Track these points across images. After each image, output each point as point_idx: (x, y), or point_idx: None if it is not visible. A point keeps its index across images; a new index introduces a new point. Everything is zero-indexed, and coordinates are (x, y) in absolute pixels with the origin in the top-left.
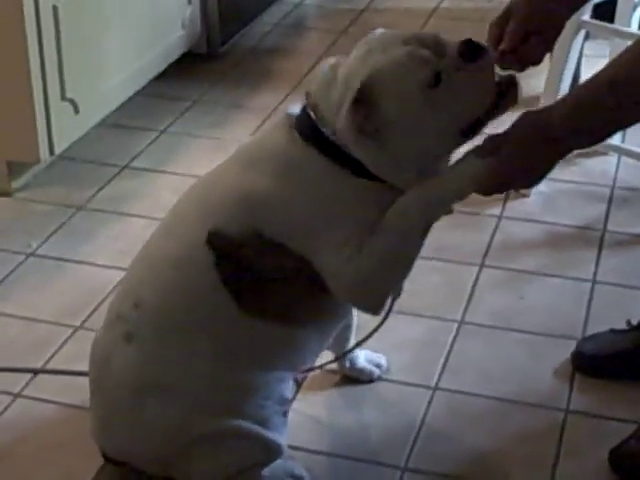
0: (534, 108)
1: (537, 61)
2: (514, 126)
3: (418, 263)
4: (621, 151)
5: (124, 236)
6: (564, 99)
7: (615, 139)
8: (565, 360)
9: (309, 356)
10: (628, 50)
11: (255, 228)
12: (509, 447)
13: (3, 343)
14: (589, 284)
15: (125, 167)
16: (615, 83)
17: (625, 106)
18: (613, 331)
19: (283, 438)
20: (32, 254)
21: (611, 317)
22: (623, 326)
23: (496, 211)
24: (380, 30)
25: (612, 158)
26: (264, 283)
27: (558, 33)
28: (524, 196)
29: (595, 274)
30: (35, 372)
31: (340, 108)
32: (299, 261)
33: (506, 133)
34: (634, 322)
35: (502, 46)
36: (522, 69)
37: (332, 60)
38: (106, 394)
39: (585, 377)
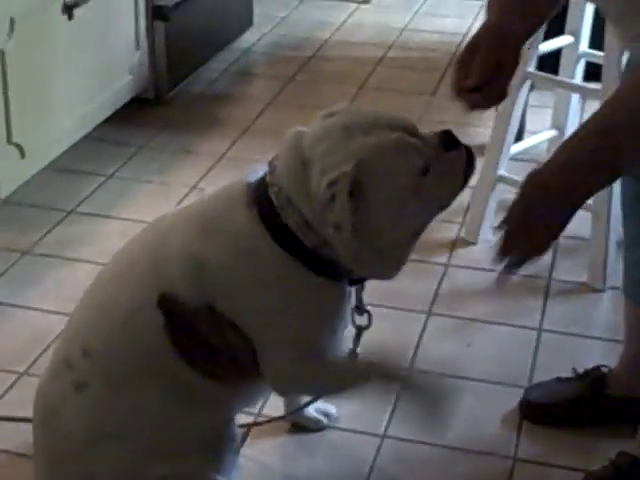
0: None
1: (503, 96)
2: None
3: None
4: None
5: (70, 281)
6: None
7: None
8: (512, 408)
9: (259, 399)
10: (615, 97)
11: (207, 300)
12: None
13: None
14: (535, 332)
15: (71, 212)
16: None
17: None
18: (559, 379)
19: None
20: None
21: (557, 365)
22: (569, 374)
23: (443, 259)
24: (343, 105)
25: None
26: (213, 350)
27: (517, 63)
28: (471, 244)
29: (541, 322)
30: None
31: (319, 199)
32: (247, 340)
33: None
34: (580, 370)
35: (471, 82)
36: (488, 107)
37: (296, 132)
38: (54, 444)
39: (533, 425)
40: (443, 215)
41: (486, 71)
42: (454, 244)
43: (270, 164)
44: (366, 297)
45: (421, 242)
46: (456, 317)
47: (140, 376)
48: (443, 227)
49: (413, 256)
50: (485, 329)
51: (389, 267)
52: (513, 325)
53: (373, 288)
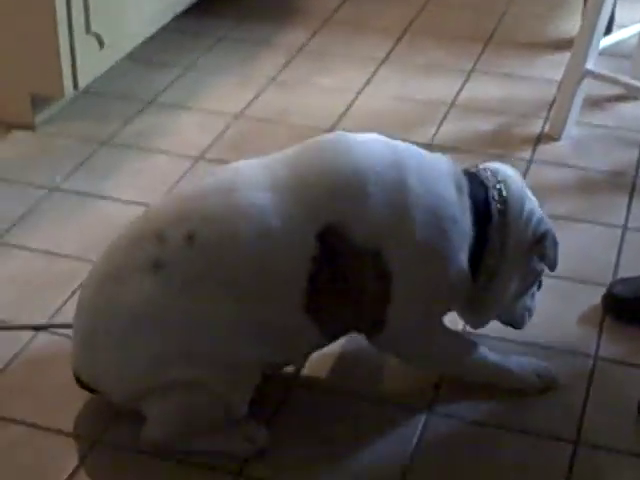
0: None
1: None
2: None
3: None
4: None
5: (148, 172)
6: None
7: None
8: (594, 306)
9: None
10: None
11: (377, 245)
12: (535, 394)
13: (26, 278)
14: (620, 230)
15: (150, 103)
16: None
17: None
18: None
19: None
20: (56, 189)
21: None
22: None
23: (526, 155)
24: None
25: None
26: (346, 298)
27: None
28: (555, 140)
29: (627, 220)
30: (39, 328)
31: (530, 234)
32: (388, 296)
33: None
34: None
35: None
36: None
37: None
38: (101, 312)
39: (614, 323)
40: (526, 110)
41: None
42: (538, 140)
43: (490, 172)
44: None
45: (504, 137)
46: None
47: (231, 288)
48: (527, 122)
49: (495, 151)
50: (568, 227)
51: (489, 317)
52: (597, 222)
53: None
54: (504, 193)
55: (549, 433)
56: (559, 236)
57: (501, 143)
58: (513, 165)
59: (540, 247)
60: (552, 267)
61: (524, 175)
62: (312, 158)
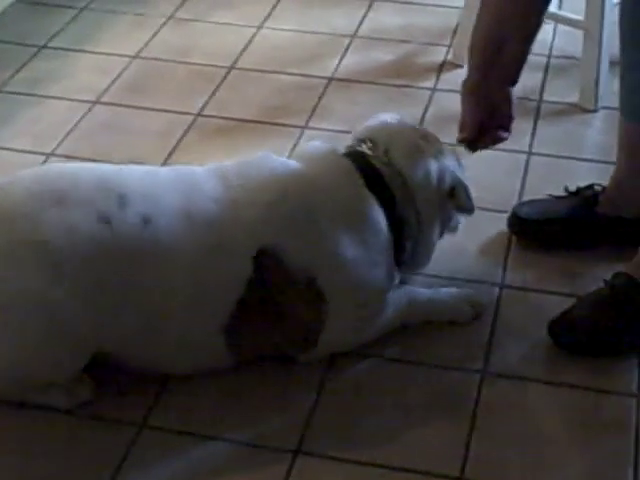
0: None
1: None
2: None
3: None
4: (557, 18)
5: (45, 119)
6: None
7: (552, 6)
8: (499, 234)
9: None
10: None
11: (311, 273)
12: (442, 325)
13: None
14: (525, 155)
15: (43, 47)
16: None
17: None
18: (551, 197)
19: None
20: None
21: (547, 188)
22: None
23: (430, 83)
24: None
25: (548, 26)
26: (268, 318)
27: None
28: (458, 67)
29: (531, 145)
30: None
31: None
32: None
33: None
34: (572, 189)
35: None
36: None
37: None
38: None
39: (519, 251)
40: (429, 38)
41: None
42: (441, 68)
43: (371, 144)
44: None
45: (407, 67)
46: (443, 142)
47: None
48: (429, 50)
49: (398, 81)
50: (471, 154)
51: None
52: (501, 149)
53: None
54: (395, 164)
55: (457, 365)
56: (464, 164)
57: (404, 73)
58: (416, 95)
59: (453, 201)
60: (471, 212)
61: (427, 104)
62: (245, 177)
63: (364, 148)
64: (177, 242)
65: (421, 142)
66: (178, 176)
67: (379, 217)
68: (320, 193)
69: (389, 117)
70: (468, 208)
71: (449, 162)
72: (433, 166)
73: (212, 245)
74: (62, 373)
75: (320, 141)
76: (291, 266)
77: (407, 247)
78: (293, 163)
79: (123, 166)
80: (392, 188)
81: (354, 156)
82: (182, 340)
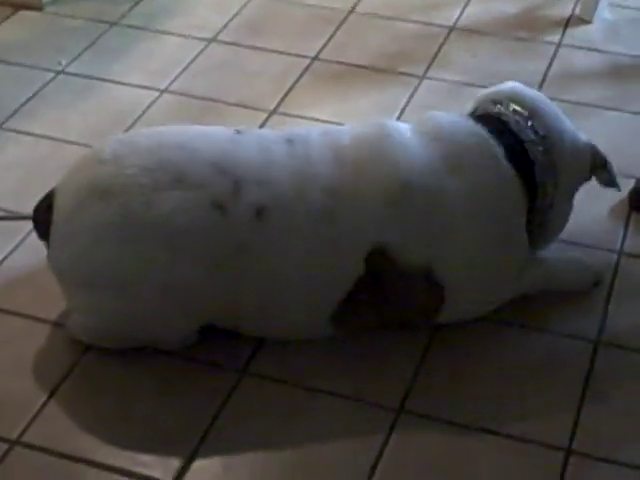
0: None
1: None
2: None
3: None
4: None
5: (158, 55)
6: None
7: None
8: (621, 200)
9: None
10: None
11: (428, 268)
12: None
13: (29, 165)
14: None
15: None
16: None
17: None
18: None
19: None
20: (62, 72)
21: None
22: None
23: (555, 38)
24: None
25: None
26: (379, 307)
27: None
28: (586, 22)
29: None
30: None
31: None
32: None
33: None
34: None
35: None
36: None
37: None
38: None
39: None
40: None
41: None
42: (568, 22)
43: (515, 109)
44: None
45: (531, 19)
46: (566, 101)
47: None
48: (556, 2)
49: (521, 34)
50: (596, 114)
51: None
52: (627, 111)
53: None
54: (540, 131)
55: (571, 332)
56: (587, 125)
57: (528, 26)
58: (541, 49)
59: (600, 176)
60: (619, 187)
61: (552, 60)
62: (361, 163)
63: (502, 110)
64: (289, 235)
65: (563, 116)
66: (293, 156)
67: (514, 194)
68: (446, 179)
69: (516, 84)
70: (616, 185)
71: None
72: (581, 139)
73: (324, 241)
74: (174, 338)
75: (446, 112)
76: (407, 263)
77: (537, 218)
78: (414, 143)
79: (238, 136)
80: (533, 155)
81: (490, 121)
82: (291, 322)
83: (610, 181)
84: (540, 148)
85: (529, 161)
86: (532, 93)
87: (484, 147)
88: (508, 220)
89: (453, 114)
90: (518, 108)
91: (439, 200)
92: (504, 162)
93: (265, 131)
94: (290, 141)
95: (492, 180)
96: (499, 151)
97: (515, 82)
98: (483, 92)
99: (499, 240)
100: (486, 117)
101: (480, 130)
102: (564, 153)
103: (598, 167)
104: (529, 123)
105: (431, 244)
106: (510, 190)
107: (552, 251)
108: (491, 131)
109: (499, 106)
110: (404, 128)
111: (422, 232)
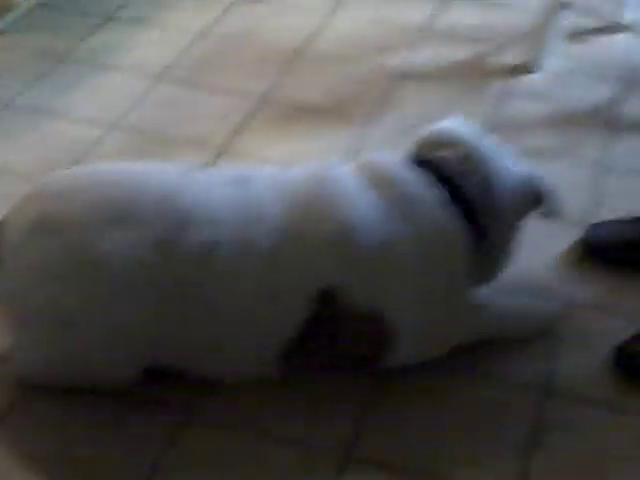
0: None
1: None
2: None
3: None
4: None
5: (106, 90)
6: None
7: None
8: (569, 248)
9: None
10: None
11: (376, 310)
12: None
13: None
14: (597, 167)
15: (111, 17)
16: None
17: None
18: (620, 221)
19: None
20: (8, 105)
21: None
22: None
23: (503, 84)
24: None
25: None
26: (330, 347)
27: None
28: (533, 71)
29: (603, 157)
30: None
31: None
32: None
33: None
34: None
35: None
36: None
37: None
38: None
39: (592, 267)
40: (504, 38)
41: None
42: (515, 69)
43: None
44: None
45: (480, 65)
46: (513, 147)
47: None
48: (503, 50)
49: (471, 80)
50: (543, 160)
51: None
52: (573, 158)
53: None
54: (479, 172)
55: (519, 381)
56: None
57: (476, 72)
58: (489, 95)
59: (541, 207)
60: (559, 215)
61: (499, 106)
62: (307, 205)
63: (438, 155)
64: (233, 275)
65: (498, 148)
66: (240, 197)
67: (459, 238)
68: (390, 223)
69: (454, 121)
70: (557, 212)
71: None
72: (518, 173)
73: (270, 282)
74: (115, 378)
75: (386, 153)
76: (355, 306)
77: (484, 257)
78: (359, 187)
79: (185, 174)
80: (474, 200)
81: (429, 166)
82: (239, 362)
83: (549, 212)
84: (477, 192)
85: (469, 206)
86: (466, 134)
87: (427, 194)
88: (456, 264)
89: (392, 158)
90: (453, 153)
91: (385, 245)
92: (448, 208)
93: (213, 170)
94: (237, 181)
95: (438, 226)
96: (441, 197)
97: (452, 119)
98: (421, 134)
99: (447, 285)
100: (424, 163)
101: (422, 176)
102: (502, 193)
103: (537, 200)
104: (464, 168)
105: (378, 288)
106: (456, 235)
107: (502, 298)
108: (430, 177)
109: (434, 153)
110: (349, 172)
111: (369, 276)
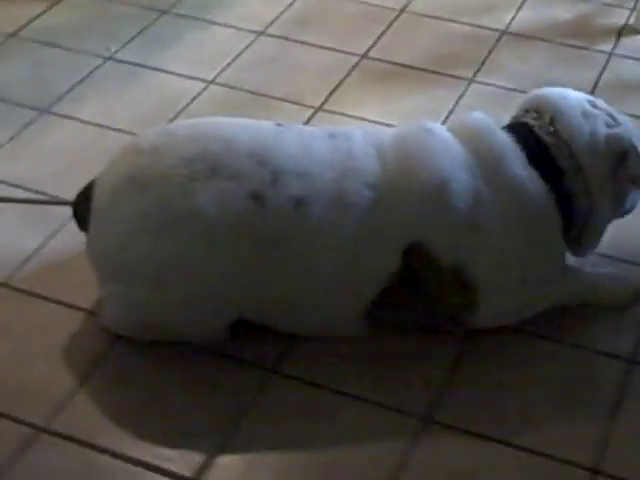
0: None
1: None
2: None
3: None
4: None
5: (208, 45)
6: None
7: None
8: None
9: None
10: None
11: (460, 263)
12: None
13: (73, 150)
14: None
15: None
16: None
17: None
18: None
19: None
20: (110, 58)
21: None
22: None
23: (608, 47)
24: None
25: None
26: (412, 305)
27: None
28: (639, 32)
29: None
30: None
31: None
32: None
33: None
34: None
35: None
36: None
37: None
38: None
39: None
40: None
41: None
42: (621, 31)
43: (535, 115)
44: None
45: (584, 26)
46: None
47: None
48: (610, 12)
49: (573, 41)
50: None
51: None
52: None
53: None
54: (562, 133)
55: (605, 349)
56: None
57: (581, 33)
58: (592, 58)
59: (624, 169)
60: None
61: (603, 69)
62: (402, 160)
63: (528, 118)
64: (327, 228)
65: (590, 109)
66: (335, 151)
67: (544, 200)
68: (479, 181)
69: (557, 89)
70: (638, 178)
71: (623, 128)
72: (601, 132)
73: (362, 236)
74: (205, 332)
75: (480, 112)
76: (441, 261)
77: (576, 224)
78: (453, 143)
79: (280, 129)
80: (559, 160)
81: (517, 129)
82: (324, 318)
83: (634, 174)
84: (564, 153)
85: (559, 170)
86: (557, 96)
87: (516, 157)
88: (540, 227)
89: (488, 120)
90: (541, 116)
91: (473, 202)
92: (534, 172)
93: (307, 127)
94: (332, 136)
95: (523, 188)
96: (523, 161)
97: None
98: (523, 98)
99: (531, 246)
100: (515, 126)
101: (511, 141)
102: (590, 155)
103: (627, 156)
104: (551, 129)
105: (464, 245)
106: (541, 198)
107: (591, 265)
108: (521, 141)
109: (527, 114)
110: (445, 130)
111: (456, 232)
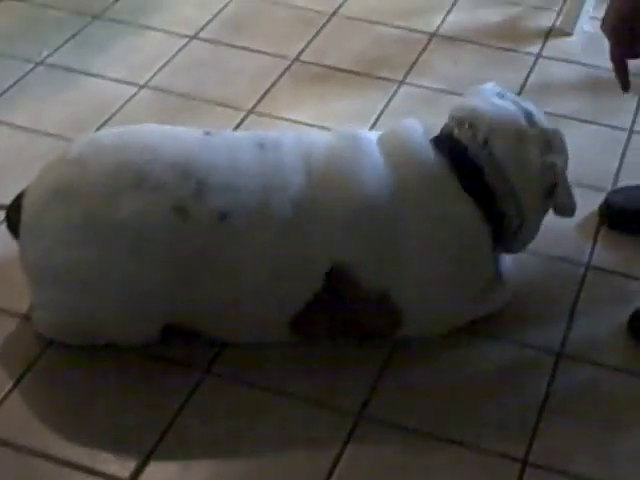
0: None
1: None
2: None
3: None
4: None
5: (139, 50)
6: None
7: None
8: (591, 213)
9: None
10: None
11: (384, 290)
12: (525, 299)
13: (9, 154)
14: (625, 133)
15: None
16: None
17: None
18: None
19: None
20: (42, 63)
21: None
22: None
23: (535, 48)
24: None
25: None
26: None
27: None
28: (567, 34)
29: (633, 123)
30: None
31: (539, 175)
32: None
33: None
34: None
35: None
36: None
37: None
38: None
39: (610, 232)
40: (539, 1)
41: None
42: (548, 33)
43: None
44: None
45: (513, 29)
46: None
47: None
48: (538, 14)
49: (502, 44)
50: (572, 127)
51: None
52: (603, 124)
53: None
54: (496, 158)
55: (533, 343)
56: None
57: (509, 36)
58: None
59: (553, 198)
60: (568, 215)
61: (531, 70)
62: (328, 178)
63: (462, 135)
64: (250, 243)
65: (525, 129)
66: (262, 163)
67: (472, 223)
68: (408, 204)
69: (490, 86)
70: (565, 210)
71: (555, 151)
72: (536, 159)
73: (284, 252)
74: (135, 336)
75: (413, 121)
76: (364, 285)
77: (506, 238)
78: (379, 162)
79: (207, 138)
80: (492, 185)
81: (450, 145)
82: (250, 326)
83: (564, 205)
84: (499, 177)
85: (491, 194)
86: (493, 111)
87: (444, 179)
88: (467, 251)
89: (417, 134)
90: (475, 134)
91: (396, 226)
92: (463, 195)
93: (237, 134)
94: (261, 145)
95: (447, 212)
96: (457, 184)
97: (488, 84)
98: (455, 103)
99: (458, 269)
100: (448, 143)
101: (441, 160)
102: (526, 183)
103: (557, 189)
104: (485, 151)
105: (387, 268)
106: (466, 221)
107: (519, 262)
108: (452, 158)
109: (460, 128)
110: (374, 143)
111: (379, 255)
